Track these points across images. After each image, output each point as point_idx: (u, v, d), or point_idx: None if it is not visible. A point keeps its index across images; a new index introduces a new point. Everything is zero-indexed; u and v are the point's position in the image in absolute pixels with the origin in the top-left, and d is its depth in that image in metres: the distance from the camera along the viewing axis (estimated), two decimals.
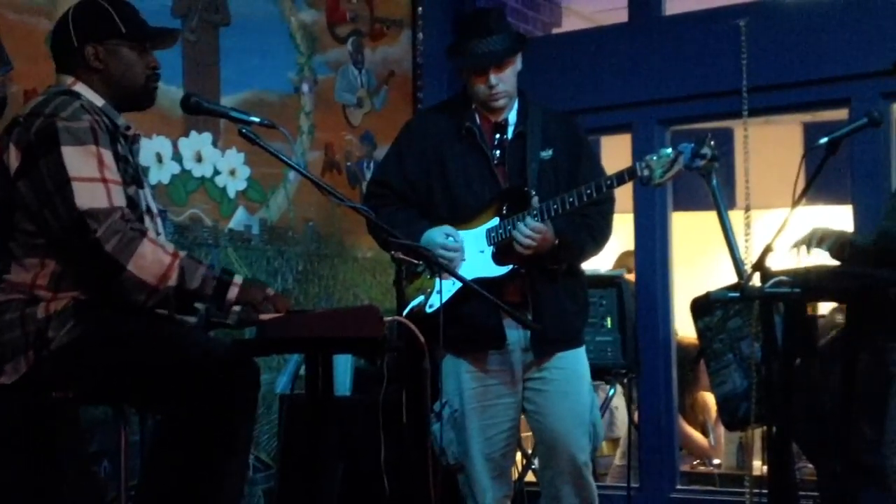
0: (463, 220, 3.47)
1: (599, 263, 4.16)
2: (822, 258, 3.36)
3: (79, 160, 2.72)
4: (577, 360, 3.53)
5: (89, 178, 2.73)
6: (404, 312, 3.16)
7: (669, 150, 3.22)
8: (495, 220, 3.42)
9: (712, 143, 3.21)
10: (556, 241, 3.37)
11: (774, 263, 3.07)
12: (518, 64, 3.52)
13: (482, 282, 3.29)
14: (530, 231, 3.31)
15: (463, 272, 3.35)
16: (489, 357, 3.47)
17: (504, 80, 3.46)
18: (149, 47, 3.00)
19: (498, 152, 3.51)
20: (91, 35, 2.92)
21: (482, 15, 3.63)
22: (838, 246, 3.30)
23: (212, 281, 2.77)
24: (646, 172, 3.24)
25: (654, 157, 3.24)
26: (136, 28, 2.98)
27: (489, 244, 3.43)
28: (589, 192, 3.29)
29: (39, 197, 2.74)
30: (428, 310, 3.38)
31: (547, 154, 3.49)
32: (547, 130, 3.53)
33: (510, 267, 3.40)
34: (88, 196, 2.71)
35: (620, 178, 3.30)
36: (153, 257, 2.72)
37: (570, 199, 3.30)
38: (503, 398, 3.49)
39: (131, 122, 3.02)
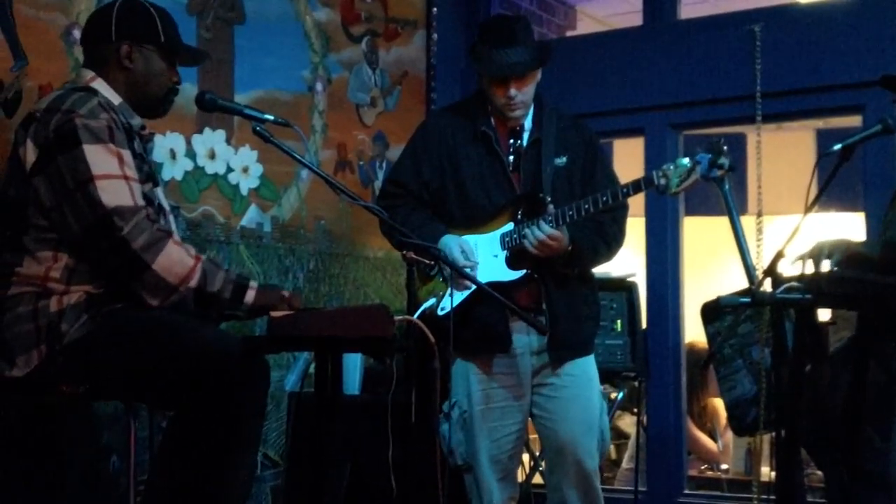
0: (476, 224, 3.46)
1: (610, 266, 4.14)
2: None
3: (101, 158, 2.74)
4: (588, 366, 3.54)
5: (113, 175, 2.75)
6: (415, 315, 3.16)
7: (686, 160, 3.22)
8: (510, 225, 3.42)
9: (725, 148, 3.21)
10: (570, 247, 3.37)
11: (785, 269, 3.07)
12: (538, 75, 3.49)
13: (495, 286, 3.28)
14: (544, 235, 3.31)
15: (477, 276, 3.35)
16: (496, 360, 3.47)
17: (524, 92, 3.43)
18: (178, 62, 3.04)
19: (512, 158, 3.51)
20: (130, 34, 2.95)
21: (508, 23, 3.49)
22: (847, 258, 3.27)
23: (230, 285, 2.83)
24: (662, 181, 3.24)
25: (671, 167, 3.23)
26: (173, 42, 3.02)
27: (503, 248, 3.43)
28: (605, 198, 3.29)
29: (58, 194, 2.75)
30: (439, 312, 3.38)
31: (561, 161, 3.49)
32: (562, 137, 3.52)
33: (523, 271, 3.40)
34: (114, 193, 2.73)
35: (636, 187, 3.30)
36: (178, 258, 2.76)
37: (586, 206, 3.30)
38: (510, 401, 3.48)
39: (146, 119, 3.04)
